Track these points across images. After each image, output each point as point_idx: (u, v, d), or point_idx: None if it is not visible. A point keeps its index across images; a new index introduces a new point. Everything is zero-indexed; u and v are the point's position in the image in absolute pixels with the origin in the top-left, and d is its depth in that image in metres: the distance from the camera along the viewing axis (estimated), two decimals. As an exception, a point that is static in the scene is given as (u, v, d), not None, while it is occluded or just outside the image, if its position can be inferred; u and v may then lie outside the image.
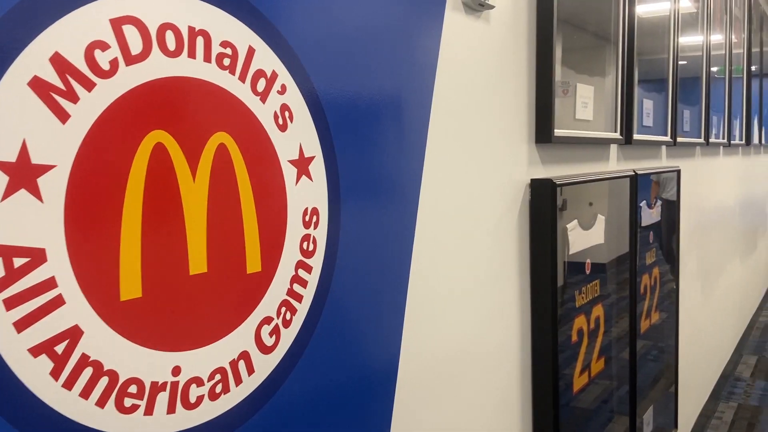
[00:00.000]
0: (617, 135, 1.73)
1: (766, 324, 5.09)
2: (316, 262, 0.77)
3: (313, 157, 0.77)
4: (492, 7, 1.12)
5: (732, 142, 3.58)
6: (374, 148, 0.89)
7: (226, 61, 0.64)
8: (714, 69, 3.15)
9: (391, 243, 0.94)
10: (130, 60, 0.55)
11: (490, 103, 1.19)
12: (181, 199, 0.60)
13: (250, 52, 0.67)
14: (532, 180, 1.35)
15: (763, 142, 5.19)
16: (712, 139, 2.98)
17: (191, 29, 0.61)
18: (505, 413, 1.29)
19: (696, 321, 3.03)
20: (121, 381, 0.55)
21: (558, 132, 1.38)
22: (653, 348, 2.21)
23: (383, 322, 0.92)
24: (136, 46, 0.56)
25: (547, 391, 1.36)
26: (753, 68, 4.37)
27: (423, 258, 1.01)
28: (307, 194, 0.76)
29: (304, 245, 0.75)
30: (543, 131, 1.35)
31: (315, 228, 0.77)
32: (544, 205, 1.34)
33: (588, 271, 1.59)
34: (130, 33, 0.55)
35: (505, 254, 1.28)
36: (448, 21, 1.04)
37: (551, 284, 1.36)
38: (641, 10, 1.92)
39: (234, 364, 0.66)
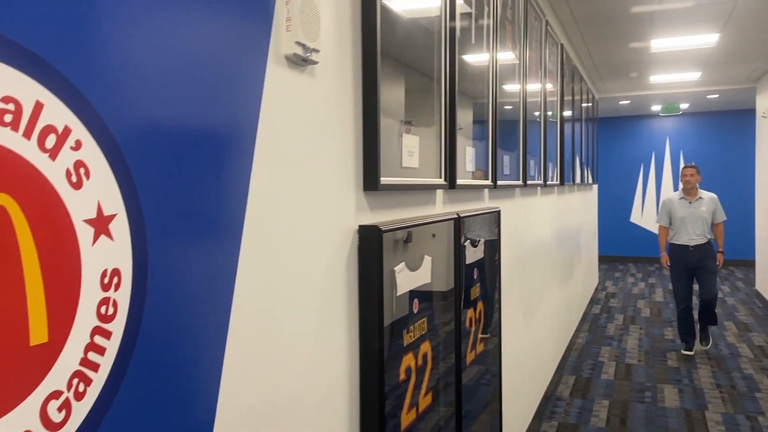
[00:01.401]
0: (442, 181, 1.84)
1: (582, 345, 5.64)
2: (117, 326, 0.73)
3: (114, 215, 0.73)
4: (315, 62, 1.15)
5: (548, 182, 3.97)
6: (188, 200, 0.87)
7: (8, 117, 0.59)
8: (535, 113, 3.49)
9: (208, 297, 0.91)
10: None
11: (318, 152, 1.22)
12: (-57, 271, 0.53)
13: (38, 107, 0.63)
14: (360, 226, 1.39)
15: (577, 181, 5.82)
16: (529, 181, 3.28)
17: (-39, 83, 0.55)
18: (332, 459, 1.29)
19: (519, 346, 3.28)
20: None
21: (385, 180, 1.44)
22: (486, 372, 2.35)
23: (197, 383, 0.89)
24: None
25: (374, 432, 1.39)
26: (567, 114, 4.90)
27: (245, 309, 0.99)
28: (107, 255, 0.72)
29: (102, 309, 0.71)
30: (370, 179, 1.40)
31: (116, 290, 0.73)
32: (371, 250, 1.39)
33: (416, 310, 1.66)
34: None
35: (334, 300, 1.30)
36: (271, 74, 1.06)
37: (378, 326, 1.40)
38: (469, 58, 2.08)
39: (10, 449, 0.59)
